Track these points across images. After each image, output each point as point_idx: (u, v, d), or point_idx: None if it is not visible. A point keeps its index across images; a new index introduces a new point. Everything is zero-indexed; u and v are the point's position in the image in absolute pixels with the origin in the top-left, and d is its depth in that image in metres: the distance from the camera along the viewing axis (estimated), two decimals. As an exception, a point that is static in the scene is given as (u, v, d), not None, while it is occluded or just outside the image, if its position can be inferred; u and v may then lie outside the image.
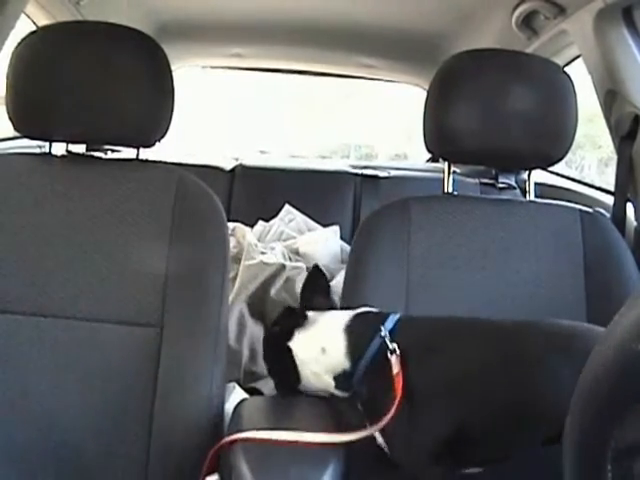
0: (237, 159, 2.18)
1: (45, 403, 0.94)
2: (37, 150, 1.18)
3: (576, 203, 1.20)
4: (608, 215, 1.28)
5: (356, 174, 2.09)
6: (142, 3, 1.89)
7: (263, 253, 1.61)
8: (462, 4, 1.76)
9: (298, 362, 0.97)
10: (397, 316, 0.94)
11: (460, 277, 1.09)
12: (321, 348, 0.95)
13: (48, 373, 0.95)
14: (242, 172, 2.06)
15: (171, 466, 0.92)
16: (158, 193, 1.00)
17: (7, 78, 0.99)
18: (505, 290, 1.09)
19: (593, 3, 1.29)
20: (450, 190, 1.19)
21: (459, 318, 0.96)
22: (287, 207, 1.91)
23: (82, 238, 0.98)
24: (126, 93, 0.99)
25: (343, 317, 0.97)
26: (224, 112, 4.23)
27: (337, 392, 0.96)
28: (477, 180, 1.96)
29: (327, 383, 0.95)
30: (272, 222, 1.86)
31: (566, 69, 1.27)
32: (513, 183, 1.97)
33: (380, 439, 0.88)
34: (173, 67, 1.08)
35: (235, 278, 1.52)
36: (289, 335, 0.97)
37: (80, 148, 1.15)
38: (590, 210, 1.17)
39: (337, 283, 1.36)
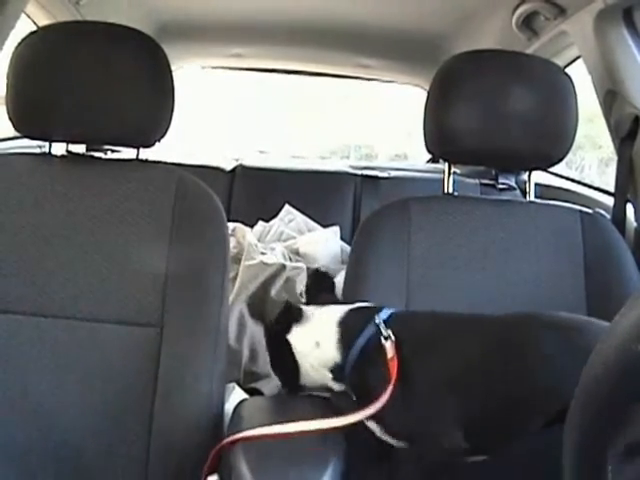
0: (237, 159, 2.18)
1: (45, 403, 0.94)
2: (37, 150, 1.18)
3: (576, 204, 1.20)
4: (608, 216, 1.29)
5: (356, 174, 2.09)
6: (142, 3, 1.89)
7: (263, 253, 1.61)
8: (462, 5, 1.76)
9: (297, 355, 0.98)
10: (391, 310, 0.95)
11: (460, 277, 1.09)
12: (315, 342, 0.96)
13: (48, 373, 0.95)
14: (242, 172, 2.06)
15: (171, 466, 0.92)
16: (158, 193, 1.00)
17: (7, 78, 0.99)
18: (505, 290, 1.09)
19: (593, 4, 1.29)
20: (450, 190, 1.19)
21: (454, 312, 0.97)
22: (287, 207, 1.91)
23: (82, 238, 0.98)
24: (126, 93, 0.99)
25: (338, 311, 0.98)
26: (224, 112, 4.23)
27: (335, 385, 0.97)
28: (477, 181, 1.96)
29: (324, 375, 0.96)
30: (272, 222, 1.86)
31: (566, 69, 1.27)
32: (513, 184, 1.97)
33: (372, 424, 0.88)
34: (173, 67, 1.08)
35: (235, 278, 1.51)
36: (288, 328, 0.98)
37: (80, 148, 1.15)
38: (590, 211, 1.17)
39: (337, 283, 1.36)
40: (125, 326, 0.95)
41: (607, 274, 1.11)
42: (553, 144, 1.12)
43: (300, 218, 1.88)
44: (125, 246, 0.98)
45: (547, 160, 1.15)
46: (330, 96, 4.40)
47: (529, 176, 1.22)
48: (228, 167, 2.07)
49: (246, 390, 1.26)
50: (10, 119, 1.00)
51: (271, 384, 1.30)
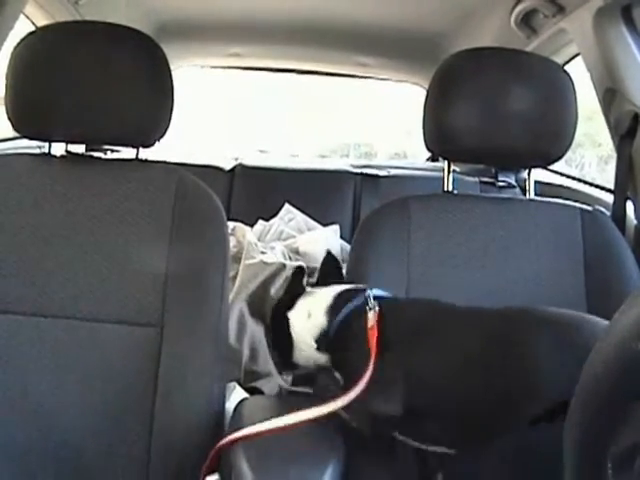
0: (237, 159, 2.18)
1: (45, 403, 0.94)
2: (37, 150, 1.18)
3: (576, 201, 1.20)
4: (608, 213, 1.29)
5: (356, 173, 2.09)
6: (141, 3, 1.89)
7: (263, 252, 1.61)
8: (462, 3, 1.76)
9: (293, 331, 1.00)
10: (390, 295, 0.97)
11: (460, 275, 1.09)
12: (308, 312, 0.98)
13: (48, 373, 0.95)
14: (242, 172, 2.06)
15: (172, 465, 0.92)
16: (158, 193, 1.00)
17: (6, 78, 0.99)
18: (505, 288, 1.09)
19: (592, 1, 1.29)
20: (450, 189, 1.19)
21: (448, 303, 0.96)
22: (287, 206, 1.91)
23: (82, 238, 0.98)
24: (125, 93, 0.99)
25: (339, 288, 1.00)
26: (224, 112, 4.24)
27: (320, 357, 0.97)
28: (477, 179, 1.96)
29: (311, 345, 0.97)
30: (272, 221, 1.86)
31: (565, 66, 1.27)
32: (513, 182, 1.98)
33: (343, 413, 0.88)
34: (172, 67, 1.08)
35: (235, 277, 1.51)
36: (292, 304, 1.01)
37: (80, 148, 1.15)
38: (590, 208, 1.17)
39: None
40: (125, 326, 0.95)
41: (607, 271, 1.11)
42: (553, 142, 1.12)
43: (300, 217, 1.88)
44: (125, 246, 0.98)
45: (547, 158, 1.15)
46: (329, 95, 4.40)
47: (529, 174, 1.22)
48: (228, 166, 2.07)
49: (246, 389, 1.26)
50: (9, 119, 1.00)
51: (271, 383, 1.30)
